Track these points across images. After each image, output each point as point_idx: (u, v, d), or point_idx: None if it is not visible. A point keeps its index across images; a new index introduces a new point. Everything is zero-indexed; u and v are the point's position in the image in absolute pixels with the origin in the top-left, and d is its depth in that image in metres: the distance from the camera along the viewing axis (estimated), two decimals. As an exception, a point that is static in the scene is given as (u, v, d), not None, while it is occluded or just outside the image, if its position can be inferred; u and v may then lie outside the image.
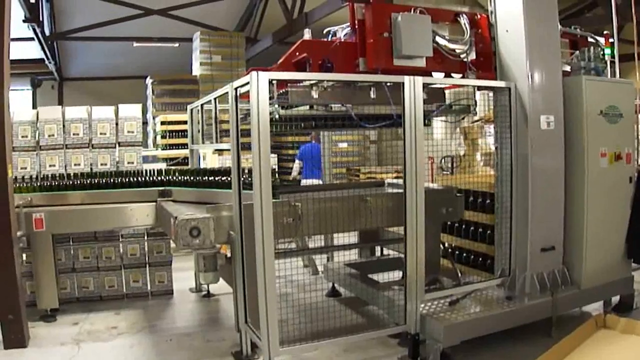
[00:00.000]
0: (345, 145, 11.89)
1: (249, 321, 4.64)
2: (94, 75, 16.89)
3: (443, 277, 5.50)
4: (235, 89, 4.57)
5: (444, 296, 4.97)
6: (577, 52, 5.62)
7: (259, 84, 4.06)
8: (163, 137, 11.00)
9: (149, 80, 12.91)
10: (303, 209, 4.73)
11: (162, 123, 11.04)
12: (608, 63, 5.70)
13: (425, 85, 4.91)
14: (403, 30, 4.69)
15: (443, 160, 10.10)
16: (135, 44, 13.79)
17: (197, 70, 13.43)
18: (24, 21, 11.05)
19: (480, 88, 5.21)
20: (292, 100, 4.73)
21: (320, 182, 10.52)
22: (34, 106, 16.56)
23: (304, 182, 10.39)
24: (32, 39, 12.69)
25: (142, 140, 7.04)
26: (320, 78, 4.50)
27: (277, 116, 4.80)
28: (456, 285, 5.26)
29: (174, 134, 10.89)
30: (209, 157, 8.51)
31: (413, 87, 4.52)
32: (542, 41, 5.05)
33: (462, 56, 5.07)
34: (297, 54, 4.74)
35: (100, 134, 6.84)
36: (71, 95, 17.15)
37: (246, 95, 4.56)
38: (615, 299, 5.75)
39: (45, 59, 14.14)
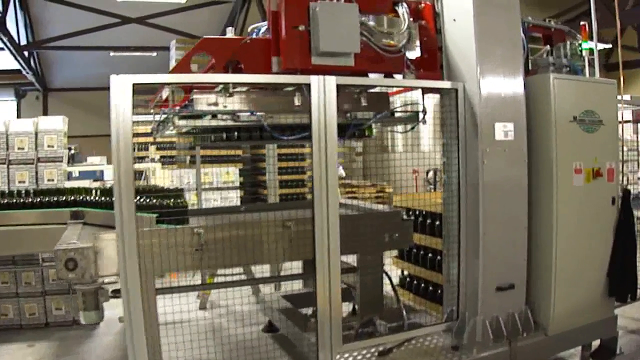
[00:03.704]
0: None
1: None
2: (77, 86, 16.29)
3: (384, 317, 4.59)
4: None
5: (374, 344, 4.05)
6: (547, 47, 4.70)
7: (119, 90, 3.38)
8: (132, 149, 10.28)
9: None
10: (208, 237, 3.91)
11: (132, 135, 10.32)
12: (586, 60, 4.74)
13: (361, 90, 4.13)
14: (322, 22, 3.82)
15: (428, 174, 9.28)
16: (112, 54, 13.20)
17: (172, 80, 12.64)
18: (-14, 30, 10.50)
19: (425, 91, 4.31)
20: (198, 109, 3.94)
21: None
22: (19, 117, 16.10)
23: None
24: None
25: (64, 155, 6.28)
26: (197, 80, 3.72)
27: (171, 128, 4.22)
28: (398, 327, 4.35)
29: (142, 146, 10.17)
30: (159, 173, 7.75)
31: (323, 89, 3.67)
32: (498, 32, 4.17)
33: (401, 52, 4.19)
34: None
35: (18, 148, 6.15)
36: (55, 106, 16.65)
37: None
38: (596, 343, 4.78)
39: (22, 69, 13.61)
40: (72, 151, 10.04)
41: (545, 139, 4.27)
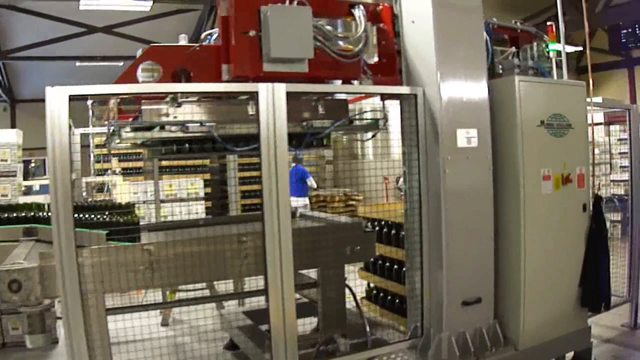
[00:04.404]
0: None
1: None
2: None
3: (348, 333, 4.38)
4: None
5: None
6: (513, 48, 4.53)
7: (55, 102, 3.16)
8: (98, 161, 10.00)
9: (89, 102, 11.95)
10: (158, 254, 3.68)
11: (97, 146, 10.05)
12: (554, 62, 4.58)
13: (319, 98, 3.95)
14: (272, 26, 3.61)
15: (399, 181, 9.07)
16: (78, 64, 12.88)
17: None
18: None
19: (384, 97, 4.11)
20: (146, 120, 3.75)
21: (305, 200, 10.40)
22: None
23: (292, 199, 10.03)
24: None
25: (17, 169, 6.01)
26: (137, 90, 3.53)
27: (117, 140, 4.00)
28: (361, 345, 4.14)
29: (106, 158, 9.92)
30: (119, 187, 7.47)
31: (272, 97, 3.45)
32: (459, 34, 3.98)
33: (357, 57, 3.98)
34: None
35: (-30, 163, 5.87)
36: (24, 117, 16.26)
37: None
38: (570, 354, 4.60)
39: (-12, 80, 13.30)
40: (32, 164, 9.73)
41: (511, 144, 4.08)
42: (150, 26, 12.49)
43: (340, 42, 3.92)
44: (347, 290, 4.40)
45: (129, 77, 3.88)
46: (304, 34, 3.70)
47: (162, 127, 3.94)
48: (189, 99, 3.92)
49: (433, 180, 3.89)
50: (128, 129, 3.92)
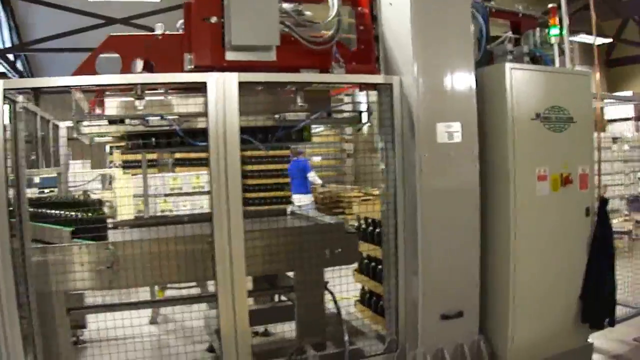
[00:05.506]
0: (319, 159, 10.57)
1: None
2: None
3: (332, 341, 4.07)
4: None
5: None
6: (509, 33, 4.13)
7: None
8: (110, 154, 9.89)
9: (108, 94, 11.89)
10: (124, 253, 3.51)
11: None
12: (555, 47, 4.15)
13: (299, 88, 3.65)
14: (234, 12, 3.36)
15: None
16: (96, 55, 12.87)
17: (154, 81, 12.28)
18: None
19: (362, 87, 3.77)
20: (111, 114, 3.70)
21: (309, 198, 9.76)
22: (11, 121, 15.81)
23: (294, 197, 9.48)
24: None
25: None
26: (78, 83, 3.35)
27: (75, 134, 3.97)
28: (332, 357, 3.82)
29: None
30: (119, 180, 7.28)
31: (222, 89, 3.16)
32: (442, 17, 3.62)
33: (330, 44, 3.65)
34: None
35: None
36: (48, 109, 16.34)
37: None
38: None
39: (7, 72, 13.32)
40: (32, 157, 9.61)
41: (501, 140, 3.69)
42: (168, 17, 12.33)
43: (312, 28, 3.61)
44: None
45: (86, 68, 3.68)
46: (269, 20, 3.45)
47: (122, 121, 3.74)
48: (155, 91, 3.71)
49: (410, 179, 3.53)
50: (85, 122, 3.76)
